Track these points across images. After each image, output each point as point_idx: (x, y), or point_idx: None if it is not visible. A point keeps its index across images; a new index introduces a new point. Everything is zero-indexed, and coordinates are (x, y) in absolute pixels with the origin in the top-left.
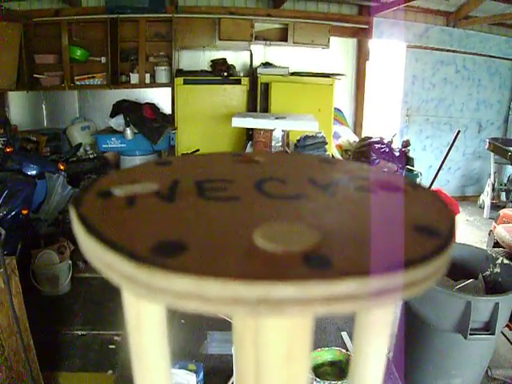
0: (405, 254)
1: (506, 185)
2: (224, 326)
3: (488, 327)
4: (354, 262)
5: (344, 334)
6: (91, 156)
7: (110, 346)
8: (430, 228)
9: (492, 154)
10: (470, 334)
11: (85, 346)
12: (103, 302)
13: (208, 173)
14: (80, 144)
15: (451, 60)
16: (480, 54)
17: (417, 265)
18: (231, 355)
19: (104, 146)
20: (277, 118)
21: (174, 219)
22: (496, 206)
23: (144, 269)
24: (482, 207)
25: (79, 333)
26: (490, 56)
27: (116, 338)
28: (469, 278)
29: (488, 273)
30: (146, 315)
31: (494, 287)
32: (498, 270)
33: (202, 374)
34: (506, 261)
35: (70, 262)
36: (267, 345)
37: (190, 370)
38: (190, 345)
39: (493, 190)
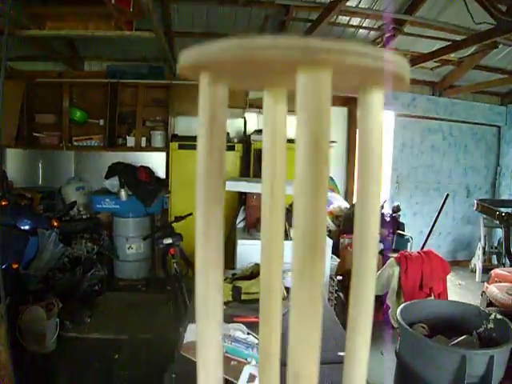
0: None
1: (496, 248)
2: None
3: (484, 381)
4: None
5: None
6: (84, 216)
7: None
8: None
9: (482, 217)
10: None
11: None
12: (89, 363)
13: None
14: (74, 202)
15: (438, 128)
16: (465, 122)
17: None
18: None
19: (98, 206)
20: None
21: None
22: (488, 270)
23: None
24: (473, 271)
25: None
26: (475, 123)
27: None
28: (463, 335)
29: (482, 329)
30: None
31: (488, 343)
32: (491, 325)
33: None
34: (499, 316)
35: (58, 320)
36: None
37: None
38: None
39: (484, 253)
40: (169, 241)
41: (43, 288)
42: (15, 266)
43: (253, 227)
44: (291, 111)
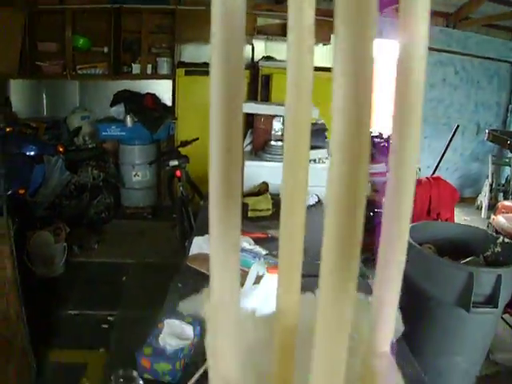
0: None
1: (503, 185)
2: None
3: (491, 301)
4: None
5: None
6: (90, 145)
7: (103, 326)
8: None
9: (490, 155)
10: (473, 307)
11: (77, 325)
12: (97, 285)
13: None
14: (80, 127)
15: (450, 61)
16: (478, 56)
17: None
18: None
19: (104, 133)
20: (278, 105)
21: None
22: (493, 207)
23: None
24: (479, 208)
25: (72, 313)
26: (489, 58)
27: (109, 317)
28: (469, 257)
29: (489, 253)
30: None
31: (495, 266)
32: (498, 249)
33: (199, 328)
34: (506, 240)
35: (65, 244)
36: None
37: (187, 322)
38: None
39: (490, 190)
40: (175, 163)
41: (50, 214)
42: (22, 192)
43: (260, 149)
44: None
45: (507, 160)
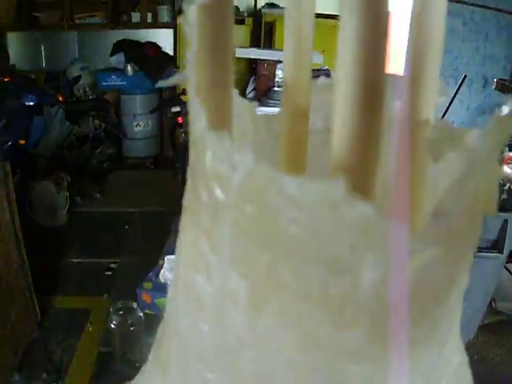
0: None
1: (510, 140)
2: None
3: (496, 246)
4: None
5: None
6: (91, 97)
7: (107, 273)
8: None
9: (497, 110)
10: (478, 251)
11: (81, 272)
12: (100, 234)
13: None
14: (79, 76)
15: (459, 11)
16: (489, 7)
17: None
18: None
19: (104, 83)
20: (281, 51)
21: None
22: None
23: None
24: None
25: (75, 260)
26: (500, 10)
27: (112, 265)
28: None
29: None
30: None
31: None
32: (505, 196)
33: None
34: None
35: (67, 194)
36: None
37: None
38: None
39: None
40: (177, 109)
41: (52, 165)
42: (22, 142)
43: (263, 95)
44: None
45: None
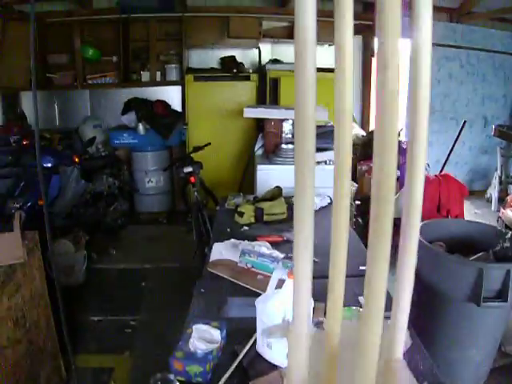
0: None
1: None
2: (244, 292)
3: (500, 295)
4: None
5: (361, 299)
6: (103, 153)
7: (126, 330)
8: None
9: (498, 147)
10: (483, 302)
11: (101, 330)
12: (118, 291)
13: None
14: (94, 138)
15: (456, 55)
16: (484, 49)
17: None
18: (252, 318)
19: (116, 141)
20: (287, 109)
21: None
22: (503, 199)
23: None
24: (489, 201)
25: (95, 319)
26: (494, 51)
27: (132, 322)
28: (479, 253)
29: (498, 248)
30: None
31: (504, 260)
32: (507, 244)
33: (225, 331)
34: None
35: (85, 252)
36: None
37: (214, 327)
38: (211, 310)
39: (500, 183)
40: (189, 169)
41: (69, 223)
42: (41, 203)
43: (271, 153)
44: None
45: None
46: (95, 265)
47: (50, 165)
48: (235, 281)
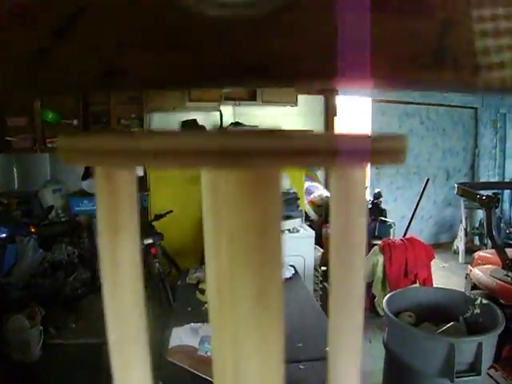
0: None
1: (478, 229)
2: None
3: (473, 368)
4: None
5: None
6: (63, 219)
7: None
8: None
9: (462, 199)
10: (456, 377)
11: None
12: (75, 369)
13: None
14: (52, 206)
15: (415, 112)
16: (442, 105)
17: None
18: None
19: (76, 208)
20: None
21: None
22: (470, 251)
23: None
24: (456, 253)
25: None
26: (452, 106)
27: None
28: (449, 321)
29: (468, 314)
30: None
31: (475, 328)
32: (477, 310)
33: None
34: (484, 301)
35: (41, 327)
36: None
37: None
38: None
39: (466, 234)
40: (149, 241)
41: (25, 295)
42: None
43: None
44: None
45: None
46: (53, 340)
47: (4, 235)
48: (195, 371)
